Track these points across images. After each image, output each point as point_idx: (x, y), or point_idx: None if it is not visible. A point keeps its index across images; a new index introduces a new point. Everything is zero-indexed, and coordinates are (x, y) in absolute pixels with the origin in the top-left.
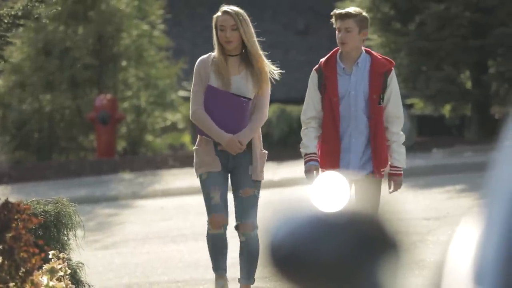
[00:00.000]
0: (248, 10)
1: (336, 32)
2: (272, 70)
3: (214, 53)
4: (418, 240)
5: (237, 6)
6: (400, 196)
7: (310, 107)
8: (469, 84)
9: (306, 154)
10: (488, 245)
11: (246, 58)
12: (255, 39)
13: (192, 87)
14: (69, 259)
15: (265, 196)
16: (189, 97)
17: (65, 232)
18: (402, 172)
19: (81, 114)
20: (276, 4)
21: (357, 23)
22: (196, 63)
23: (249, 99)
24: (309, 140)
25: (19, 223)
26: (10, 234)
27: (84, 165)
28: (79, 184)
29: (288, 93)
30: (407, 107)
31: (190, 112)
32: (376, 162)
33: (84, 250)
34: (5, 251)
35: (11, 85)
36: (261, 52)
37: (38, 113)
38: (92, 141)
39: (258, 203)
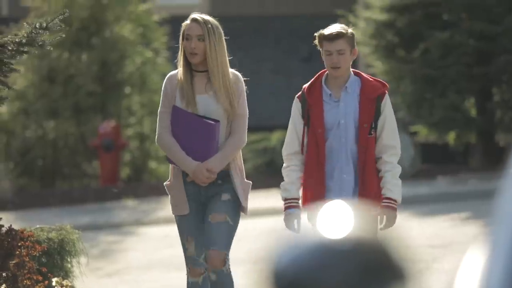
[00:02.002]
0: (251, 36)
1: (324, 55)
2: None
3: (178, 72)
4: (423, 268)
5: (238, 31)
6: (404, 224)
7: (293, 141)
8: (473, 112)
9: (286, 199)
10: (493, 273)
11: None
12: (225, 56)
13: (159, 115)
14: (73, 287)
15: (269, 224)
16: None
17: (69, 259)
18: (395, 206)
19: (84, 141)
20: (279, 31)
21: (348, 43)
22: (164, 82)
23: (217, 121)
24: (291, 183)
25: (22, 250)
26: (13, 261)
27: (87, 192)
28: (82, 211)
29: None
30: (411, 134)
31: (158, 141)
32: (364, 201)
33: (87, 277)
34: (8, 278)
35: (15, 112)
36: (227, 71)
37: (42, 140)
38: (95, 168)
39: (234, 235)
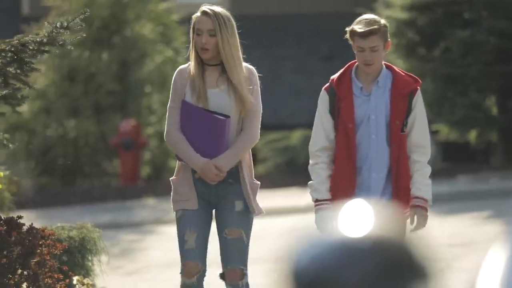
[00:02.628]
0: (271, 35)
1: (356, 50)
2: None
3: (190, 66)
4: (444, 267)
5: (259, 30)
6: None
7: (321, 136)
8: (494, 110)
9: (317, 200)
10: None
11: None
12: (238, 49)
13: (168, 111)
14: (93, 285)
15: (289, 223)
16: None
17: (90, 258)
18: (426, 205)
19: (105, 140)
20: (299, 29)
21: (382, 38)
22: (174, 76)
23: (227, 116)
24: (320, 182)
25: (43, 249)
26: (34, 260)
27: (108, 190)
28: (103, 209)
29: (312, 118)
30: (432, 133)
31: (166, 138)
32: (397, 202)
33: (108, 276)
34: (29, 276)
35: (36, 111)
36: (240, 64)
37: (63, 139)
38: (116, 166)
39: (249, 247)
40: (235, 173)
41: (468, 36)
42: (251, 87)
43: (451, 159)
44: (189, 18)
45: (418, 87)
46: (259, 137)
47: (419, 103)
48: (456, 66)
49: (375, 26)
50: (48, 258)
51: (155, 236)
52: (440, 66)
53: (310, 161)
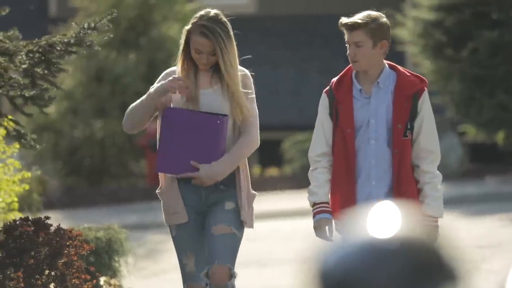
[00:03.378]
0: (298, 35)
1: (347, 46)
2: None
3: (177, 68)
4: (471, 268)
5: (286, 31)
6: (452, 224)
7: (320, 141)
8: None
9: (314, 204)
10: None
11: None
12: (236, 57)
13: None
14: (120, 286)
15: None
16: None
17: (116, 259)
18: (436, 223)
19: (132, 141)
20: (326, 30)
21: (369, 35)
22: (160, 76)
23: (225, 115)
24: (319, 186)
25: (71, 250)
26: (62, 261)
27: (134, 191)
28: (130, 210)
29: None
30: (459, 134)
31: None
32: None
33: (134, 276)
34: (57, 277)
35: (63, 112)
36: (237, 69)
37: (90, 140)
38: (142, 167)
39: (240, 247)
40: (228, 181)
41: (496, 36)
42: (247, 91)
43: (479, 160)
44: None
45: (425, 88)
46: (259, 142)
47: (426, 105)
48: (483, 67)
49: (362, 21)
50: (75, 258)
51: None
52: (468, 67)
53: (310, 167)
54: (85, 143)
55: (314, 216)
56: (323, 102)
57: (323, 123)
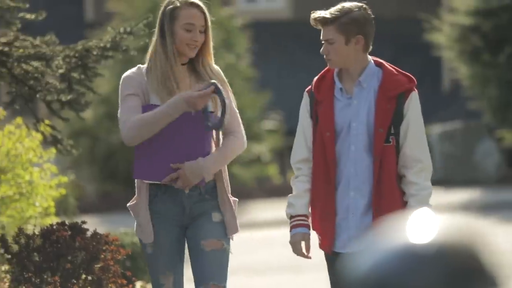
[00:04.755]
0: None
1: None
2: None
3: (146, 65)
4: (509, 274)
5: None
6: (490, 229)
7: (301, 146)
8: None
9: (291, 217)
10: None
11: (193, 66)
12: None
13: (120, 107)
14: None
15: None
16: (274, 129)
17: None
18: None
19: None
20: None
21: (340, 30)
22: (122, 80)
23: (212, 112)
24: (297, 197)
25: (107, 254)
26: (98, 265)
27: None
28: None
29: None
30: (496, 140)
31: (123, 131)
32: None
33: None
34: (93, 282)
35: (100, 117)
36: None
37: (126, 145)
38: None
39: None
40: (211, 189)
41: None
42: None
43: None
44: (252, 24)
45: (412, 89)
46: (246, 145)
47: (412, 108)
48: None
49: (332, 15)
50: (112, 263)
51: None
52: (505, 72)
53: (293, 175)
54: (121, 148)
55: (290, 230)
56: (304, 103)
57: (304, 126)
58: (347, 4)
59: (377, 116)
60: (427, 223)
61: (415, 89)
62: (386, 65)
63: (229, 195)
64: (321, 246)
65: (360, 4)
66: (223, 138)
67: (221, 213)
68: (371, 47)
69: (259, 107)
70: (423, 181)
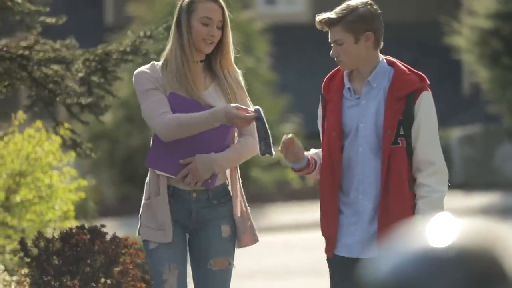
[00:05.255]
0: None
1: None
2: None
3: (161, 61)
4: None
5: None
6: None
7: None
8: None
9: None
10: None
11: (209, 65)
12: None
13: (144, 101)
14: None
15: None
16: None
17: None
18: None
19: None
20: (383, 38)
21: (347, 29)
22: (137, 75)
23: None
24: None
25: (126, 258)
26: (117, 269)
27: None
28: None
29: None
30: None
31: (158, 126)
32: (383, 236)
33: (190, 284)
34: (112, 285)
35: (119, 120)
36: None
37: (145, 148)
38: None
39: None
40: (220, 194)
41: None
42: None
43: None
44: (271, 28)
45: (424, 88)
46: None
47: (424, 108)
48: None
49: (337, 15)
50: (131, 267)
51: None
52: None
53: None
54: (140, 151)
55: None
56: (320, 103)
57: (319, 126)
58: (351, 2)
59: (386, 117)
60: (447, 226)
61: (428, 89)
62: (399, 64)
63: (245, 202)
64: (325, 250)
65: (365, 0)
66: (241, 137)
67: (231, 224)
68: (382, 44)
69: (278, 110)
70: (435, 184)
